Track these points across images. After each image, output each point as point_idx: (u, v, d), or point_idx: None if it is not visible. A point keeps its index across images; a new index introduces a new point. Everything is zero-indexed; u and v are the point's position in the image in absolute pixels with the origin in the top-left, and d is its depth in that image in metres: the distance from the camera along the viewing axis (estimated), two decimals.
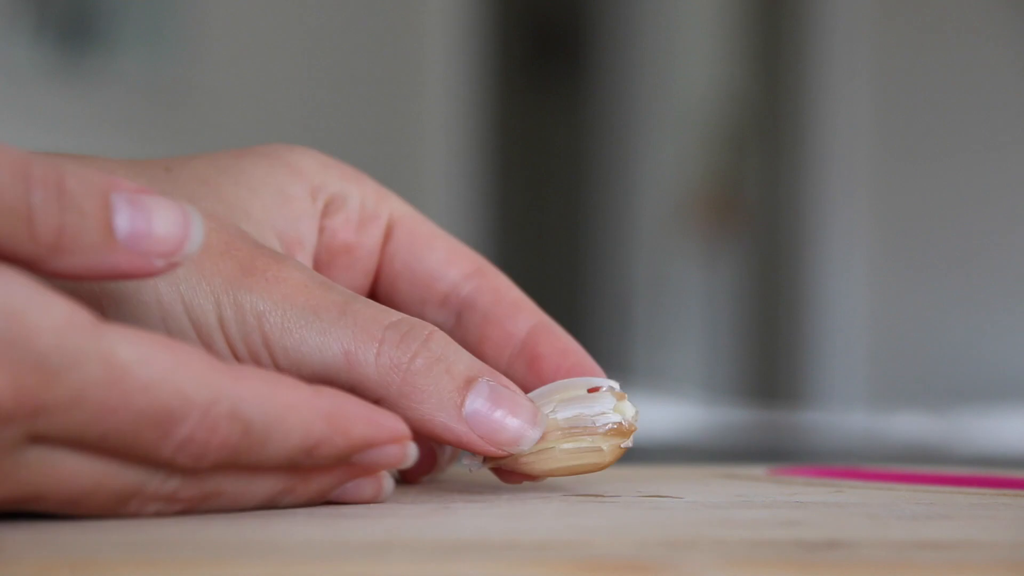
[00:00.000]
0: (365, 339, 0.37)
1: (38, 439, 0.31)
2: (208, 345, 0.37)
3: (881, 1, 2.68)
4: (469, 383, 0.37)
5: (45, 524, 0.32)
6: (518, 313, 0.42)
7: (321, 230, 0.43)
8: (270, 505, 0.35)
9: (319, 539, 0.30)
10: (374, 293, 0.44)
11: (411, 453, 0.35)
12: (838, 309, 2.70)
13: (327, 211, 0.43)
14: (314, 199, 0.42)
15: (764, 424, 2.10)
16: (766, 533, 0.32)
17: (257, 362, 0.37)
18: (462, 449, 0.38)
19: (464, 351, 0.38)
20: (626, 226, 3.01)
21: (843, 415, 2.37)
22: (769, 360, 2.90)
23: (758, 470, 0.52)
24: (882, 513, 0.37)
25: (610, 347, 2.96)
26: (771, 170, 2.85)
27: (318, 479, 0.35)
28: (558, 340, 0.42)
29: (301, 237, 0.42)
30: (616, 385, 0.40)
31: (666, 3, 3.05)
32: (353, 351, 0.37)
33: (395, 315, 0.37)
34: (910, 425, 2.07)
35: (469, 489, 0.41)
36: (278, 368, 0.37)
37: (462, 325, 0.43)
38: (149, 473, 0.33)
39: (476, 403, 0.37)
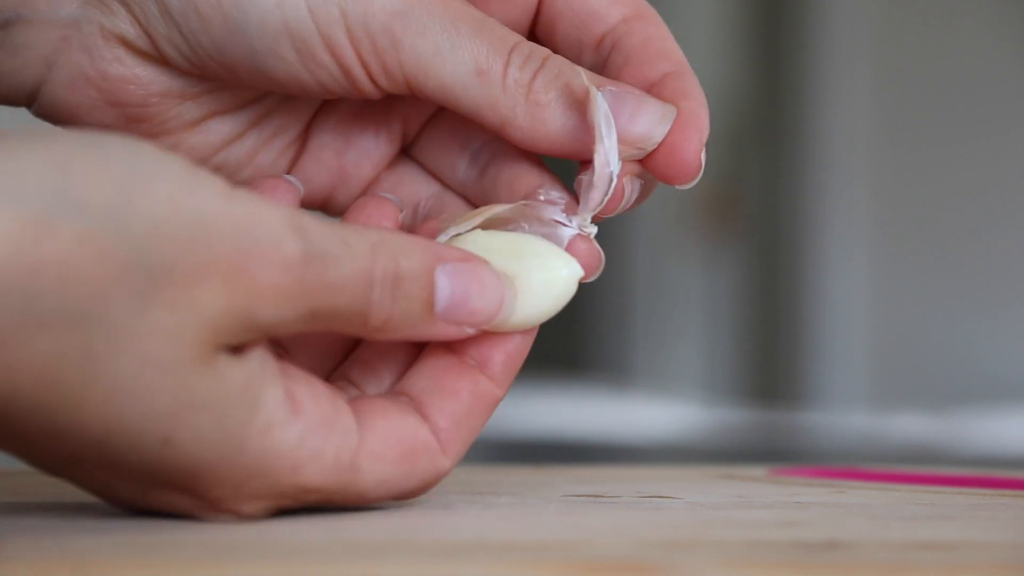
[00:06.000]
0: (496, 57, 0.38)
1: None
2: (328, 38, 0.38)
3: (881, 1, 2.68)
4: (587, 94, 0.38)
5: (45, 524, 0.32)
6: (658, 60, 0.41)
7: None
8: None
9: (319, 539, 0.30)
10: (533, 30, 0.43)
11: None
12: (838, 309, 2.70)
13: None
14: None
15: (764, 424, 2.11)
16: (766, 533, 0.32)
17: (382, 65, 0.38)
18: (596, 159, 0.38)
19: (587, 71, 0.38)
20: (626, 226, 3.02)
21: (843, 415, 2.37)
22: (769, 360, 2.90)
23: (758, 470, 0.52)
24: (882, 513, 0.37)
25: (610, 347, 2.96)
26: (771, 170, 2.85)
27: None
28: (678, 83, 0.40)
29: None
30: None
31: (666, 3, 3.06)
32: (486, 69, 0.38)
33: (519, 38, 0.38)
34: (910, 425, 2.07)
35: (469, 489, 0.41)
36: (401, 73, 0.38)
37: (608, 66, 0.42)
38: None
39: (599, 111, 0.38)
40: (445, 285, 0.35)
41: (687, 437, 1.84)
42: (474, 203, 0.44)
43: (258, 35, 0.37)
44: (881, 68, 2.68)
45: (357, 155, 0.43)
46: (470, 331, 0.36)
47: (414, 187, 0.44)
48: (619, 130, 0.38)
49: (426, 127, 0.43)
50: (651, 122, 0.38)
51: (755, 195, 2.93)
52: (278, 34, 0.37)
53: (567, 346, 2.77)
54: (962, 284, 2.67)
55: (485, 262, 0.36)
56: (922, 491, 0.44)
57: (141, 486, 0.33)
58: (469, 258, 0.36)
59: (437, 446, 0.35)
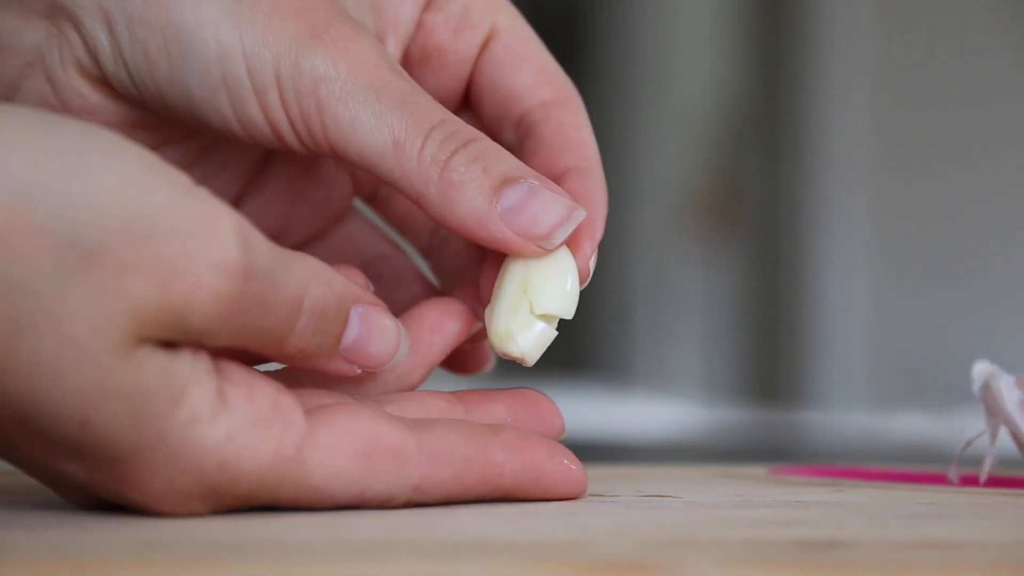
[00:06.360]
0: (416, 131, 0.37)
1: None
2: (261, 97, 0.38)
3: (881, 2, 2.68)
4: (507, 181, 0.37)
5: (45, 524, 0.32)
6: (564, 152, 0.41)
7: (420, 25, 0.42)
8: None
9: (319, 539, 0.30)
10: (463, 102, 0.43)
11: None
12: (838, 309, 2.70)
13: (430, 5, 0.42)
14: None
15: (764, 424, 2.10)
16: (766, 533, 0.32)
17: (307, 128, 0.38)
18: (500, 249, 0.38)
19: (511, 157, 0.38)
20: (626, 226, 3.02)
21: (843, 415, 2.37)
22: (769, 360, 2.90)
23: (758, 470, 0.52)
24: (882, 513, 0.37)
25: (610, 347, 2.96)
26: (771, 170, 2.85)
27: None
28: (579, 181, 0.41)
29: (399, 22, 0.42)
30: None
31: (666, 3, 3.05)
32: (402, 141, 0.37)
33: (447, 115, 0.38)
34: (910, 425, 2.07)
35: None
36: (324, 138, 0.38)
37: (523, 150, 0.42)
38: None
39: (511, 199, 0.37)
40: (354, 325, 0.35)
41: (687, 437, 1.84)
42: (436, 268, 0.44)
43: (198, 84, 0.38)
44: (881, 68, 2.68)
45: (309, 208, 0.44)
46: (358, 371, 0.36)
47: (361, 247, 0.44)
48: (523, 225, 0.38)
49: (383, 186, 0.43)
50: (555, 223, 0.38)
51: (755, 195, 2.93)
52: (216, 87, 0.38)
53: (567, 346, 2.77)
54: (962, 284, 2.67)
55: (384, 308, 0.36)
56: (922, 491, 0.44)
57: (78, 467, 0.32)
58: (377, 303, 0.36)
59: (410, 455, 0.35)
